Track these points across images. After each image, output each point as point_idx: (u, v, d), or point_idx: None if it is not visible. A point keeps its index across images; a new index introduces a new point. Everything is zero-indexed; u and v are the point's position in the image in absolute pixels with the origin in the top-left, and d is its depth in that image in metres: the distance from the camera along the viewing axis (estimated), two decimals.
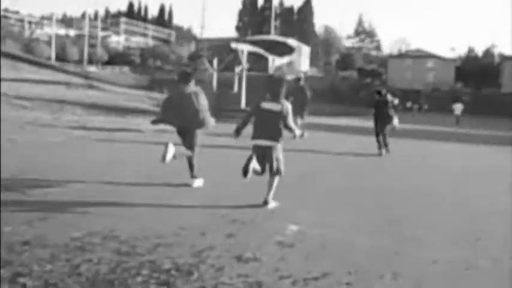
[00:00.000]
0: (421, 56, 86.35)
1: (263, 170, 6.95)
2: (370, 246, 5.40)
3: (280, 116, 6.90)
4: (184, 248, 4.94)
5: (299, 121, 15.67)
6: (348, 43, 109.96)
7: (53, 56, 60.21)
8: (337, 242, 5.49)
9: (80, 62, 62.23)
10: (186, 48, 78.06)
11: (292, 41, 32.44)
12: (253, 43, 27.24)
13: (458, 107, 39.31)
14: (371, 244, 5.49)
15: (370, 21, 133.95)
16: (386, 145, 14.26)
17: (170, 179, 8.22)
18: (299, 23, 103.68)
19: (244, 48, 26.17)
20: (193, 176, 8.04)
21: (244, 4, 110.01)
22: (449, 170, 12.23)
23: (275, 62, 31.64)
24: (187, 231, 5.50)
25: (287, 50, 30.35)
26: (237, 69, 27.84)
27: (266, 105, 7.04)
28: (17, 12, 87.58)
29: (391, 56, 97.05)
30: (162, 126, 8.70)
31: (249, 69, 27.85)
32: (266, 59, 30.51)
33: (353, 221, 6.47)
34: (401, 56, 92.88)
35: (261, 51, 27.50)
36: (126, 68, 66.34)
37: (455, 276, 4.73)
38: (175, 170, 8.49)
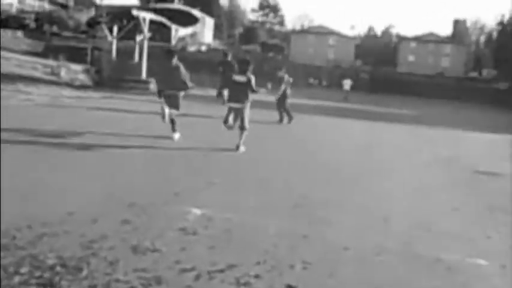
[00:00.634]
0: (323, 32, 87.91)
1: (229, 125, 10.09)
2: (278, 231, 5.03)
3: (248, 84, 9.89)
4: (73, 238, 4.31)
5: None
6: (252, 16, 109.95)
7: None
8: (244, 228, 5.07)
9: None
10: (86, 14, 74.37)
11: (196, 12, 31.45)
12: (156, 11, 26.08)
13: (347, 83, 40.39)
14: (279, 228, 5.12)
15: None
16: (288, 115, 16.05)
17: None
18: None
19: (146, 16, 25.01)
20: (174, 130, 10.38)
21: None
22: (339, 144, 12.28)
23: (178, 32, 30.66)
24: (76, 217, 4.85)
25: (191, 20, 29.43)
26: (138, 38, 26.69)
27: (236, 77, 10.07)
28: None
29: (294, 32, 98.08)
30: None
31: (150, 39, 26.76)
32: (169, 29, 29.46)
33: (259, 202, 6.10)
34: (304, 31, 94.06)
35: (164, 20, 26.44)
36: (19, 33, 62.19)
37: (367, 262, 4.48)
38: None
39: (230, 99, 10.20)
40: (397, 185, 8.02)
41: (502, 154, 13.87)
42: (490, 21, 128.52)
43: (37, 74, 24.66)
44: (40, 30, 67.38)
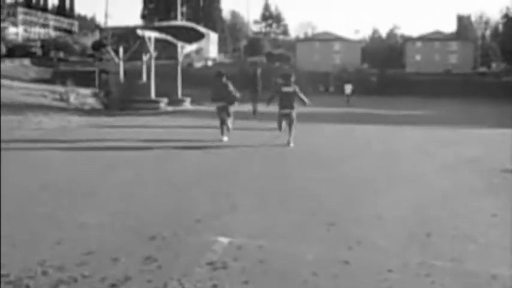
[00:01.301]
0: (328, 39, 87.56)
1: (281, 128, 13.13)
2: (316, 257, 4.61)
3: (294, 94, 12.70)
4: (93, 282, 3.93)
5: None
6: (255, 28, 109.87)
7: None
8: (278, 256, 4.64)
9: None
10: (90, 38, 74.69)
11: (201, 28, 31.30)
12: (161, 30, 25.93)
13: (348, 87, 41.22)
14: (316, 254, 4.71)
15: (277, 5, 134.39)
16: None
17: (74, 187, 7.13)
18: (206, 8, 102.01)
19: (152, 35, 24.85)
20: (223, 133, 13.40)
21: None
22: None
23: (184, 49, 30.47)
24: (95, 257, 4.46)
25: (197, 36, 29.25)
26: (145, 58, 26.50)
27: (285, 89, 12.74)
28: None
29: (298, 40, 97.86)
30: None
31: (157, 58, 26.58)
32: (174, 46, 29.27)
33: (289, 223, 5.70)
34: (309, 39, 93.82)
35: (169, 38, 26.25)
36: (26, 61, 62.42)
37: (418, 286, 4.06)
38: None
39: (281, 107, 12.89)
40: (429, 193, 7.59)
41: None
42: (495, 15, 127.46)
43: (46, 101, 24.51)
44: (47, 56, 67.74)
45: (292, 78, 12.86)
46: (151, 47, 25.00)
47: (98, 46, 33.02)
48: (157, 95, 25.82)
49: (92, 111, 22.37)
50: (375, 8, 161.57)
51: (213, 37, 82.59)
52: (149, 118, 20.60)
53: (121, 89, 25.29)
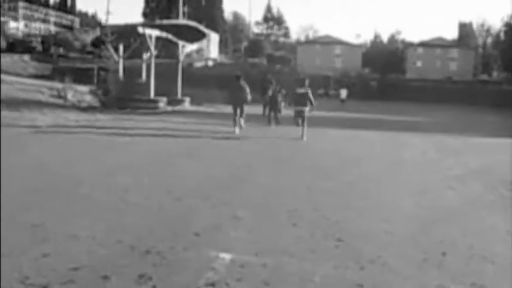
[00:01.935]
0: (329, 42, 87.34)
1: (298, 123, 15.39)
2: (324, 278, 4.25)
3: (306, 95, 15.14)
4: None
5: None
6: (256, 30, 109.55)
7: None
8: (284, 275, 4.25)
9: None
10: (91, 35, 74.26)
11: (202, 27, 30.90)
12: (162, 28, 25.52)
13: (343, 92, 42.92)
14: (324, 273, 4.34)
15: (278, 7, 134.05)
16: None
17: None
18: (208, 8, 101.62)
19: (153, 33, 24.44)
20: (238, 126, 15.91)
21: None
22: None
23: (185, 48, 30.09)
24: (82, 274, 4.05)
25: (199, 35, 28.89)
26: (145, 56, 26.12)
27: (299, 90, 15.36)
28: None
29: (299, 43, 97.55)
30: None
31: (156, 56, 26.19)
32: (174, 45, 28.90)
33: (294, 238, 5.31)
34: (310, 42, 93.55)
35: (170, 36, 25.85)
36: (26, 56, 61.98)
37: None
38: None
39: (296, 105, 15.52)
40: (440, 207, 7.23)
41: None
42: (496, 23, 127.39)
43: (43, 97, 24.11)
44: (47, 52, 67.36)
45: (306, 82, 15.65)
46: (152, 46, 24.60)
47: (97, 43, 32.61)
48: (156, 94, 25.42)
49: (88, 109, 21.95)
50: (376, 13, 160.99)
51: (214, 37, 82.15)
52: (148, 117, 20.23)
53: (120, 87, 24.87)
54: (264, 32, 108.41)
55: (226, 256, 4.57)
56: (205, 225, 5.54)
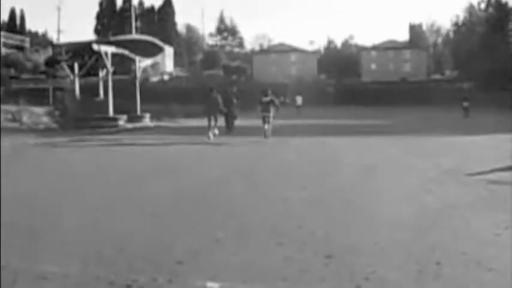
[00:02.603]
0: (284, 50, 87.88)
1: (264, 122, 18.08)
2: None
3: (270, 102, 18.42)
4: None
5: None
6: (211, 41, 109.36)
7: None
8: None
9: None
10: (43, 55, 72.61)
11: (158, 41, 30.44)
12: (118, 44, 24.99)
13: (299, 99, 43.55)
14: None
15: (231, 18, 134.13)
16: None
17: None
18: (160, 22, 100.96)
19: (108, 49, 23.90)
20: (213, 135, 18.24)
21: (101, 6, 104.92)
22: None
23: (141, 63, 29.60)
24: None
25: (156, 49, 28.43)
26: (101, 74, 25.54)
27: (264, 99, 18.43)
28: None
29: (255, 52, 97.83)
30: None
31: (113, 73, 25.65)
32: (130, 61, 28.40)
33: (282, 259, 5.02)
34: (265, 51, 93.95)
35: (126, 52, 25.35)
36: None
37: None
38: None
39: (262, 111, 18.23)
40: (422, 212, 7.08)
41: (495, 157, 13.01)
42: (446, 23, 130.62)
43: None
44: None
45: (269, 92, 18.85)
46: (109, 62, 24.07)
47: (51, 62, 31.83)
48: (115, 111, 24.86)
49: (45, 131, 21.26)
50: (328, 19, 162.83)
51: (169, 51, 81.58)
52: (107, 137, 19.68)
53: (77, 107, 24.20)
54: (219, 43, 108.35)
55: (214, 286, 4.24)
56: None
